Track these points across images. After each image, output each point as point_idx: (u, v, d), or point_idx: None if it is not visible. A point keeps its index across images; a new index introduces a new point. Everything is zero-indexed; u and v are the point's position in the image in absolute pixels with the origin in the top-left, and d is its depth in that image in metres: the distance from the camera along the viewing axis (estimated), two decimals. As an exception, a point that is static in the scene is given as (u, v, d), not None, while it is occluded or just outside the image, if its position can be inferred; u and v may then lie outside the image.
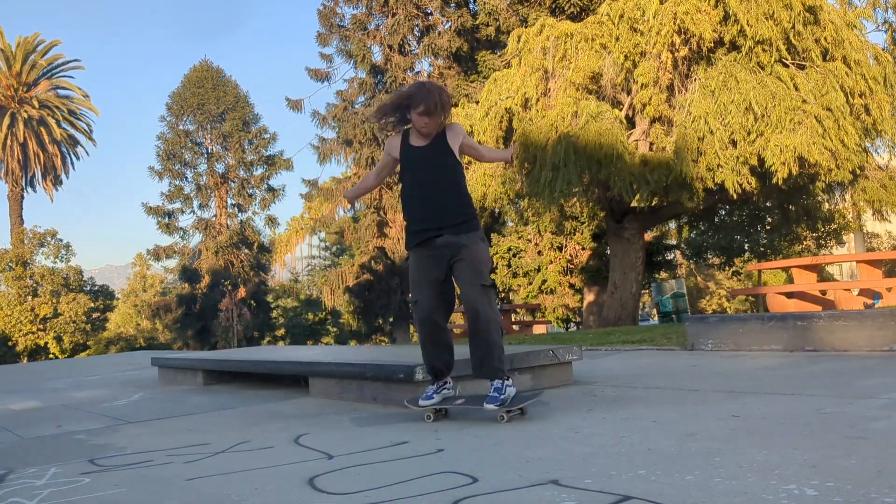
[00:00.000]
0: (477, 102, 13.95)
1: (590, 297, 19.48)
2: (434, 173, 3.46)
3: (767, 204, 15.63)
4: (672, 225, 20.56)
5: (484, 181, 13.17)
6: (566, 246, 20.65)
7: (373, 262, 24.77)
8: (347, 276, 25.40)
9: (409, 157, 3.51)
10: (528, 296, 21.00)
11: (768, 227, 18.04)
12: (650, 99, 11.32)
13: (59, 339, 32.95)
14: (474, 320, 3.39)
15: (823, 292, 11.47)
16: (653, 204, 12.16)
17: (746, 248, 20.87)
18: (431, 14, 24.24)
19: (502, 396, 3.31)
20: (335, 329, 36.39)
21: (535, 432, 3.03)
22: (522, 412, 3.43)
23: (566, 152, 11.18)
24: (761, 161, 10.70)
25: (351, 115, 24.32)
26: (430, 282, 3.45)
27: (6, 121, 36.88)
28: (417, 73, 24.60)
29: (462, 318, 18.72)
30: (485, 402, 3.32)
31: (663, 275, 22.11)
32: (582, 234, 19.95)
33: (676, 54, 10.99)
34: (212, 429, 3.91)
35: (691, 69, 11.32)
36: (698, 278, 36.21)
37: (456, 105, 16.38)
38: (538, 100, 12.11)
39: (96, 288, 36.66)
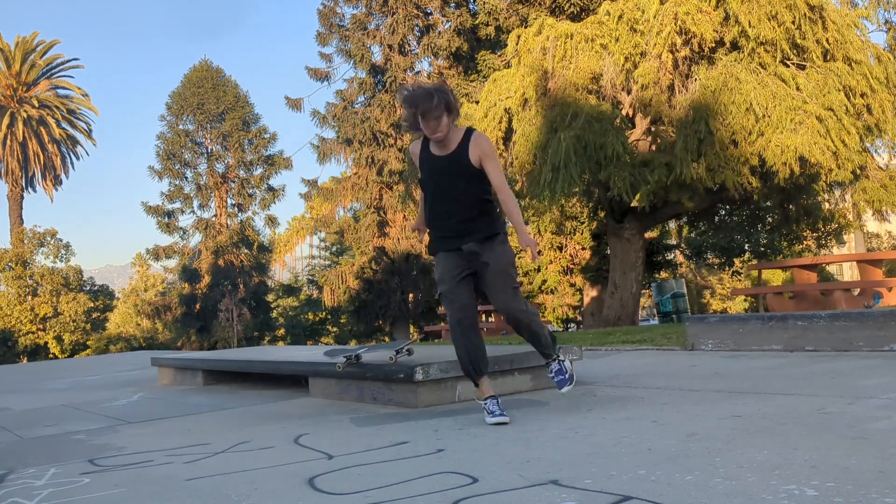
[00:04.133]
0: (477, 102, 13.93)
1: (590, 296, 19.48)
2: (453, 188, 3.35)
3: (767, 204, 15.62)
4: (672, 225, 20.56)
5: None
6: (566, 245, 20.64)
7: (373, 262, 24.75)
8: (347, 276, 25.38)
9: (428, 166, 3.42)
10: (527, 296, 21.00)
11: (768, 228, 18.03)
12: (650, 99, 11.31)
13: (59, 339, 32.93)
14: (517, 324, 3.51)
15: (823, 292, 11.46)
16: (653, 204, 12.16)
17: (746, 248, 20.86)
18: (431, 14, 24.23)
19: (566, 375, 3.61)
20: (335, 329, 36.35)
21: (535, 432, 3.03)
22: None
23: (566, 152, 11.17)
24: (762, 161, 10.69)
25: (351, 115, 24.31)
26: (457, 274, 3.38)
27: (6, 120, 36.86)
28: (417, 72, 24.59)
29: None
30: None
31: (663, 275, 22.10)
32: (582, 233, 19.95)
33: (677, 55, 10.98)
34: (212, 429, 3.91)
35: (692, 69, 11.31)
36: (697, 278, 36.19)
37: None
38: (538, 100, 12.09)
39: (96, 288, 36.64)
